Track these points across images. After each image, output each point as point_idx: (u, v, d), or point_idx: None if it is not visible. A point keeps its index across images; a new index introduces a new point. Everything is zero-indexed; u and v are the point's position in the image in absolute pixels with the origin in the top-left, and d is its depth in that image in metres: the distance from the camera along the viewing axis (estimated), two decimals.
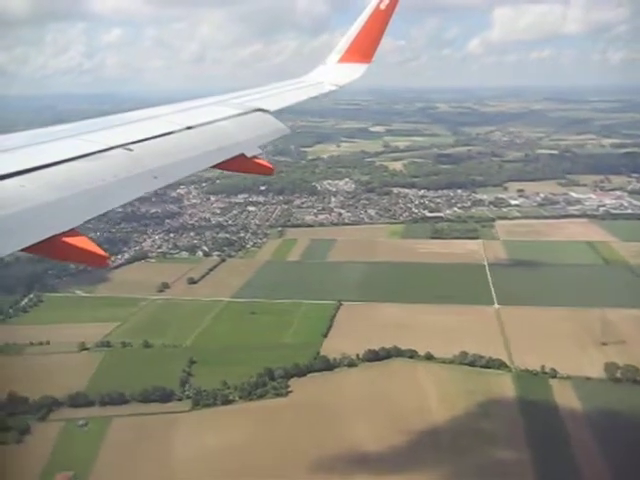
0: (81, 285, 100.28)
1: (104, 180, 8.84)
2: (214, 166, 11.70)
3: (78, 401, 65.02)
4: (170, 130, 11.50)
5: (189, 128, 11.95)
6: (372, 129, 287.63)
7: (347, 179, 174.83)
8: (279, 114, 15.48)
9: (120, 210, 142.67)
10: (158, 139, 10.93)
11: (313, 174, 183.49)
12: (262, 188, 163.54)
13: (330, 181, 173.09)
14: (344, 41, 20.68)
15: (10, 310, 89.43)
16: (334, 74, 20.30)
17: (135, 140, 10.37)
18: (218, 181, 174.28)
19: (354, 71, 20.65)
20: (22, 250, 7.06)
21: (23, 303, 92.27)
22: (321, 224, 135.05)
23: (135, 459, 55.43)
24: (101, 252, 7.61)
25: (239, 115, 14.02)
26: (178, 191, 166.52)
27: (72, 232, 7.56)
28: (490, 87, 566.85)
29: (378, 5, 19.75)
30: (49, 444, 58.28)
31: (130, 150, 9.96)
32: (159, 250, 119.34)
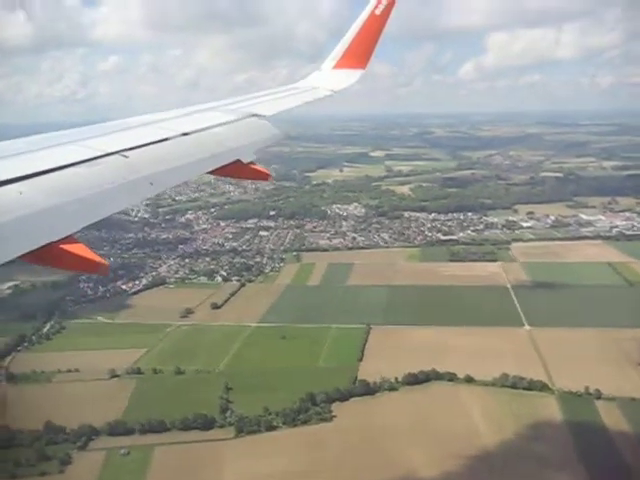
0: (101, 311, 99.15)
1: (101, 187, 8.79)
2: (210, 172, 11.53)
3: (117, 429, 63.66)
4: (165, 137, 11.37)
5: (185, 134, 11.84)
6: (372, 154, 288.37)
7: (356, 203, 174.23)
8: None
9: (131, 236, 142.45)
10: (153, 145, 10.83)
11: (321, 199, 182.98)
12: (272, 213, 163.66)
13: (339, 205, 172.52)
14: (339, 47, 20.43)
15: (33, 337, 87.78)
16: (329, 80, 20.06)
17: (131, 147, 10.30)
18: (226, 206, 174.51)
19: (349, 77, 20.39)
20: (19, 258, 6.88)
21: (45, 330, 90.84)
22: (336, 248, 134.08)
23: None
24: (99, 259, 7.44)
25: (235, 121, 13.88)
26: (187, 217, 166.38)
27: (69, 239, 7.45)
28: (482, 112, 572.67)
29: (373, 10, 19.47)
30: (93, 474, 56.79)
31: (126, 157, 9.88)
32: (176, 275, 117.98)
